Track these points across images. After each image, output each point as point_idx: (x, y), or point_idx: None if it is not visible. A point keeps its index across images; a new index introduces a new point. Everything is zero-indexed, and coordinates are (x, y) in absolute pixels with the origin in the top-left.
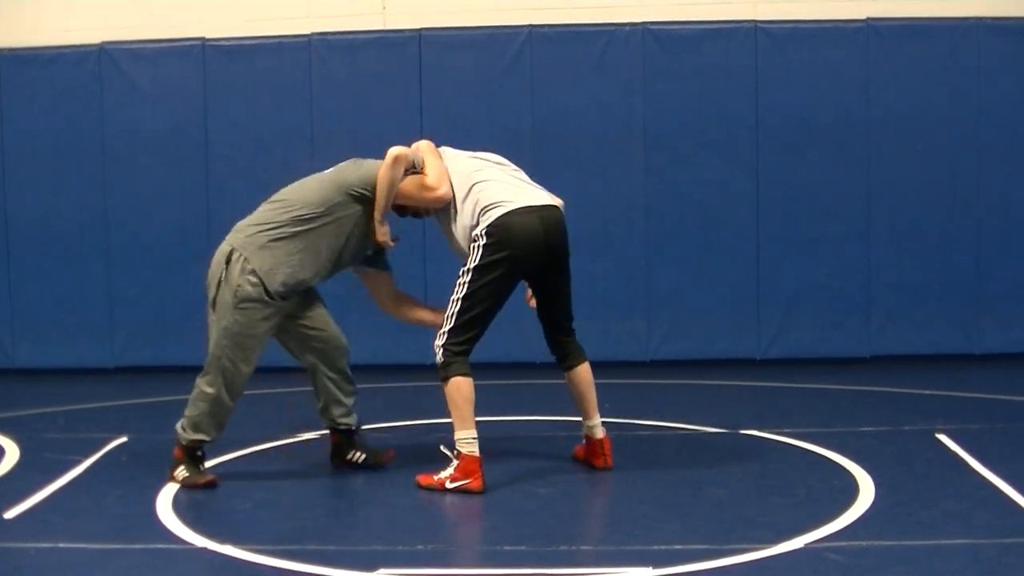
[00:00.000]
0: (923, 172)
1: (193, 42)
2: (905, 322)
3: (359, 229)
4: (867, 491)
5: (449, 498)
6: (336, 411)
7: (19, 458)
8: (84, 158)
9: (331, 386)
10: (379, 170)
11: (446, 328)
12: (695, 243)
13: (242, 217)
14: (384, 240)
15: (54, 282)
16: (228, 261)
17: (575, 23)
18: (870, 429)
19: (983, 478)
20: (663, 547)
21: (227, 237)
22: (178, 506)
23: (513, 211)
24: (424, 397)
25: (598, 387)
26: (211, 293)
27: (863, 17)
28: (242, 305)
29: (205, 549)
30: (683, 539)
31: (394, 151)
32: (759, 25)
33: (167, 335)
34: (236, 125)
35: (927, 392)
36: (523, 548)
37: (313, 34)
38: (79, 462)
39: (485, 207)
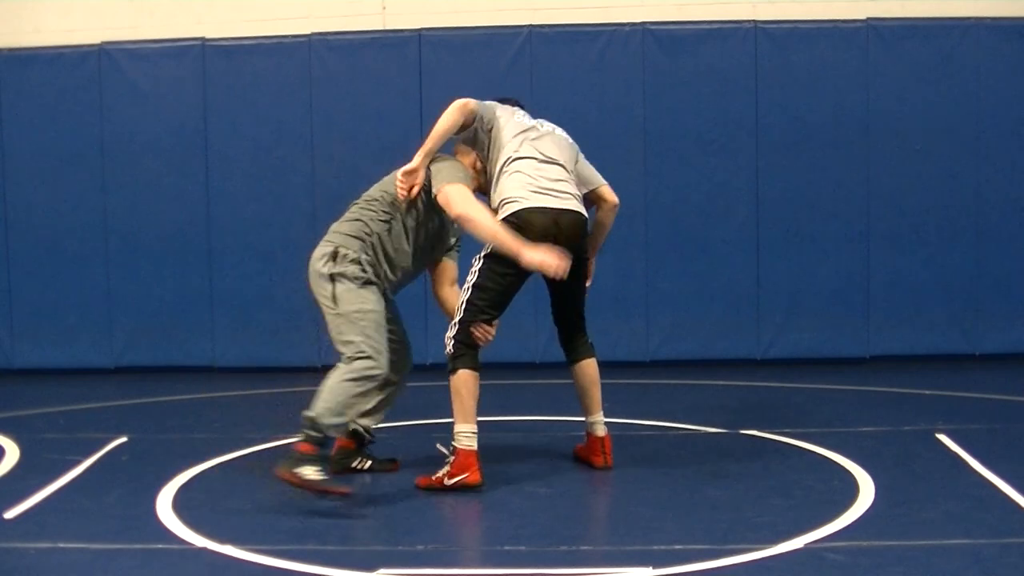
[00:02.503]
0: (923, 172)
1: (193, 42)
2: (905, 322)
3: (438, 216)
4: (867, 491)
5: (449, 498)
6: (372, 418)
7: (19, 458)
8: (84, 158)
9: (383, 393)
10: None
11: (456, 319)
12: (695, 243)
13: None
14: (402, 188)
15: (54, 282)
16: (334, 258)
17: (575, 23)
18: (870, 429)
19: (983, 478)
20: (663, 547)
21: (325, 238)
22: (178, 506)
23: (529, 209)
24: (424, 397)
25: None
26: (322, 292)
27: (863, 17)
28: (363, 288)
29: (205, 549)
30: (683, 539)
31: (459, 101)
32: (759, 25)
33: (167, 335)
34: (236, 125)
35: (927, 392)
36: (523, 548)
37: (313, 34)
38: (79, 462)
39: (505, 199)
